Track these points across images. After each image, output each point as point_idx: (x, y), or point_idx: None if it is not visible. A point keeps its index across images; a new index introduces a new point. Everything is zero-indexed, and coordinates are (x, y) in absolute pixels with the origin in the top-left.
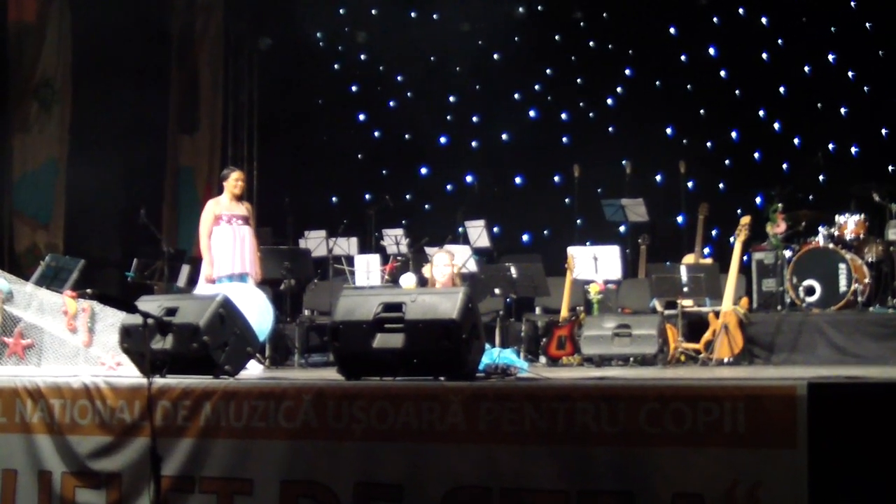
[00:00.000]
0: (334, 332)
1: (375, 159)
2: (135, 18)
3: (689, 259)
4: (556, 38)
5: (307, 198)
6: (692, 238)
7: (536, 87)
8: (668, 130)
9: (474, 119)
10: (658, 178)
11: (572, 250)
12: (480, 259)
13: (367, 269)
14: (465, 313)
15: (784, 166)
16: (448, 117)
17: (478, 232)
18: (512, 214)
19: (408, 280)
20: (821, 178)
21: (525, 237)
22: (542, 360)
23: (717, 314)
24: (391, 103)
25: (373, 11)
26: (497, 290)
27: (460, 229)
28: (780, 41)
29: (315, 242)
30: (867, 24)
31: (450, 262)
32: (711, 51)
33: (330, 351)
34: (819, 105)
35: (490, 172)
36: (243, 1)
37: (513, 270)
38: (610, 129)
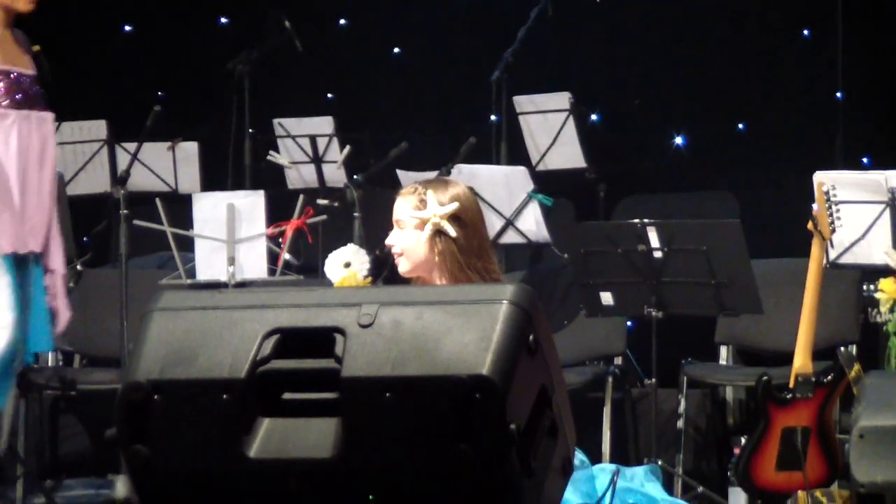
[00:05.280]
0: (135, 413)
1: None
2: None
3: None
4: None
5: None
6: None
7: None
8: None
9: None
10: None
11: (825, 179)
12: (554, 207)
13: (231, 229)
14: (517, 361)
15: None
16: None
17: (548, 127)
18: (643, 74)
19: (344, 262)
20: None
21: (678, 140)
22: (739, 496)
23: None
24: None
25: None
26: (607, 297)
27: (495, 118)
28: None
29: (78, 154)
30: None
31: (451, 195)
32: None
33: (123, 470)
34: None
35: None
36: None
37: (652, 238)
38: None
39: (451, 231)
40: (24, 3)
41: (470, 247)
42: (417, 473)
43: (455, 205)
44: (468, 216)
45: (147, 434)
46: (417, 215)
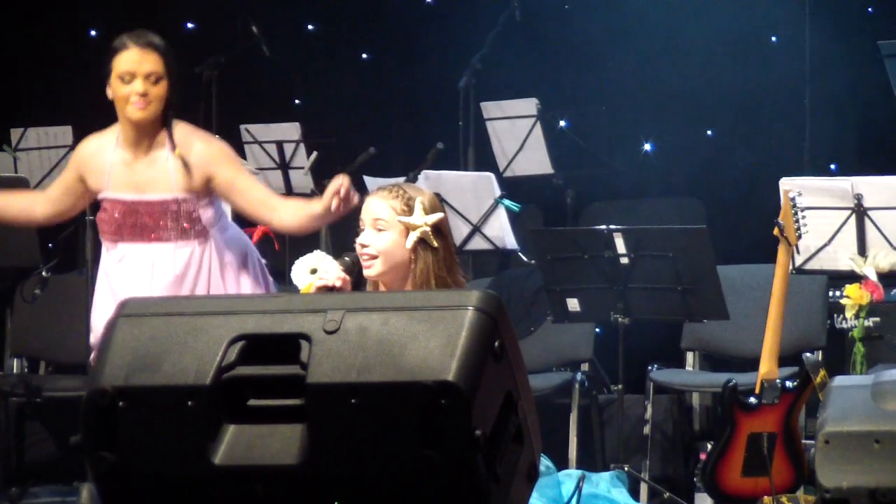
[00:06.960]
0: (100, 419)
1: None
2: None
3: None
4: None
5: None
6: None
7: None
8: None
9: None
10: None
11: (791, 185)
12: (521, 213)
13: None
14: (482, 367)
15: None
16: None
17: (516, 133)
18: (610, 80)
19: (310, 269)
20: None
21: (646, 146)
22: (705, 502)
23: None
24: None
25: None
26: (574, 304)
27: (462, 124)
28: None
29: (44, 159)
30: None
31: (415, 209)
32: None
33: (88, 477)
34: None
35: None
36: None
37: (619, 244)
38: None
39: (434, 242)
40: (145, 108)
41: (445, 259)
42: (383, 479)
43: (440, 215)
44: (446, 228)
45: (112, 441)
46: (405, 220)
